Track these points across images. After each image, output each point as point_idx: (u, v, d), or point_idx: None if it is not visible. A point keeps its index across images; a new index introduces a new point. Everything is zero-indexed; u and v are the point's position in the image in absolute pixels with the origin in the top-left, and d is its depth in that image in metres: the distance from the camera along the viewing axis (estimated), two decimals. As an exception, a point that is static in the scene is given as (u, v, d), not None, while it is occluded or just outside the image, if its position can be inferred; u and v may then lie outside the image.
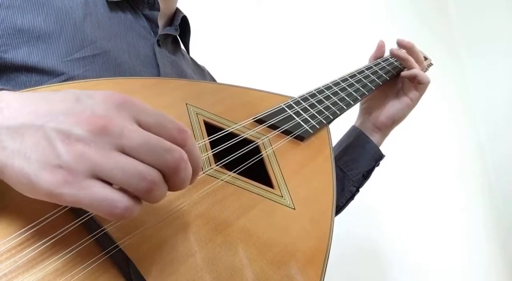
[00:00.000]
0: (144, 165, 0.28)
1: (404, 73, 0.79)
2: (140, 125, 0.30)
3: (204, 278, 0.36)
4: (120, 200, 0.27)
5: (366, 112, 0.83)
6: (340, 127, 0.84)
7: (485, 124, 2.28)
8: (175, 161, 0.29)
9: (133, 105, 0.30)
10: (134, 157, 0.28)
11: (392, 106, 0.80)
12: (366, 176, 0.80)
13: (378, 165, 0.81)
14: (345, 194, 0.78)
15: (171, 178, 0.30)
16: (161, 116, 0.31)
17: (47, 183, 0.27)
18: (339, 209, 0.79)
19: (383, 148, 0.82)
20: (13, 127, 0.28)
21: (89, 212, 0.34)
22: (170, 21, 0.70)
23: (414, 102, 0.80)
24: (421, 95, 0.80)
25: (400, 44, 0.81)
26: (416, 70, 0.78)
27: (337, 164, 0.77)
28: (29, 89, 0.40)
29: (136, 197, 0.29)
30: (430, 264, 1.62)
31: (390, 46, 0.85)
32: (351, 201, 0.80)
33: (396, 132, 0.85)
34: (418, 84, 0.79)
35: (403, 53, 0.80)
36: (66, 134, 0.27)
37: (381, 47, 0.84)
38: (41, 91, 0.32)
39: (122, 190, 0.28)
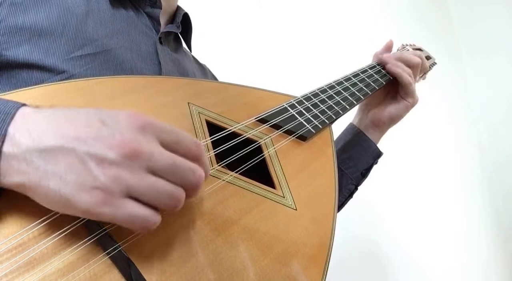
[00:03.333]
0: (172, 184, 0.32)
1: (399, 89, 0.79)
2: (162, 144, 0.33)
3: (205, 278, 0.36)
4: (151, 216, 0.31)
5: (364, 109, 0.83)
6: (342, 127, 0.83)
7: (485, 124, 2.28)
8: (197, 180, 0.33)
9: (154, 126, 0.33)
10: (162, 177, 0.32)
11: (391, 105, 0.80)
12: (364, 174, 0.80)
13: (376, 163, 0.81)
14: (343, 192, 0.78)
15: (190, 193, 0.34)
16: (178, 133, 0.34)
17: (86, 203, 0.29)
18: (338, 207, 0.79)
19: (383, 147, 0.82)
20: (43, 149, 0.30)
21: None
22: (172, 19, 0.70)
23: (413, 104, 0.80)
24: (412, 96, 0.80)
25: (389, 71, 0.80)
26: (398, 71, 0.78)
27: None
28: (35, 86, 0.40)
29: (158, 210, 0.32)
30: (431, 264, 1.62)
31: (395, 46, 0.85)
32: (350, 199, 0.80)
33: (396, 132, 0.85)
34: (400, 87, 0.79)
35: (397, 69, 0.78)
36: (99, 158, 0.30)
37: (389, 47, 0.84)
38: (63, 110, 0.33)
39: (150, 206, 0.31)
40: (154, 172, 0.31)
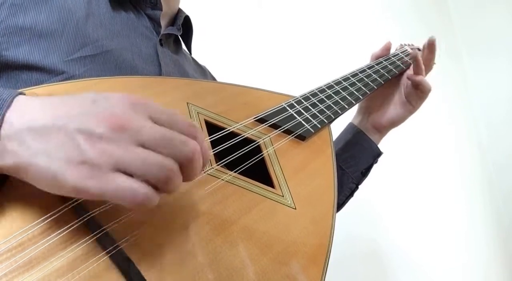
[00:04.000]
0: (162, 156, 0.31)
1: (411, 76, 0.79)
2: (154, 122, 0.32)
3: (205, 278, 0.36)
4: (141, 188, 0.30)
5: (365, 111, 0.83)
6: (342, 126, 0.84)
7: (485, 124, 2.28)
8: (191, 151, 0.32)
9: (146, 105, 0.32)
10: (153, 150, 0.31)
11: (393, 110, 0.80)
12: (364, 173, 0.80)
13: (376, 162, 0.81)
14: (344, 191, 0.78)
15: (186, 168, 0.32)
16: (172, 114, 0.33)
17: (73, 178, 0.29)
18: (338, 206, 0.79)
19: (384, 147, 0.82)
20: (35, 128, 0.30)
21: (89, 212, 0.34)
22: (173, 21, 0.70)
23: (416, 108, 0.80)
24: (422, 102, 0.80)
25: (412, 54, 0.80)
26: (421, 78, 0.78)
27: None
28: (34, 87, 0.40)
29: (155, 187, 0.31)
30: (430, 263, 1.62)
31: (394, 46, 0.85)
32: (350, 198, 0.80)
33: (396, 132, 0.85)
34: (420, 92, 0.79)
35: (419, 58, 0.79)
36: (88, 133, 0.29)
37: (387, 48, 0.84)
38: (58, 96, 0.34)
39: (143, 180, 0.30)
40: (144, 145, 0.31)
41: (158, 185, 0.31)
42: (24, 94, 0.34)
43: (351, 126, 0.83)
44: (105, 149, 0.29)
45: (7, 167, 0.30)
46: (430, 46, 0.81)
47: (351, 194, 0.80)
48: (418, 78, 0.78)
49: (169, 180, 0.31)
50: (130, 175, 0.30)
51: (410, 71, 0.82)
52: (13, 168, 0.30)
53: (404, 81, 0.81)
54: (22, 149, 0.30)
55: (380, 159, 0.82)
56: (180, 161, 0.32)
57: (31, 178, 0.30)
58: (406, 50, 0.86)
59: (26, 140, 0.30)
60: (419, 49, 0.89)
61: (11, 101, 0.31)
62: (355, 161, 0.79)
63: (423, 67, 0.78)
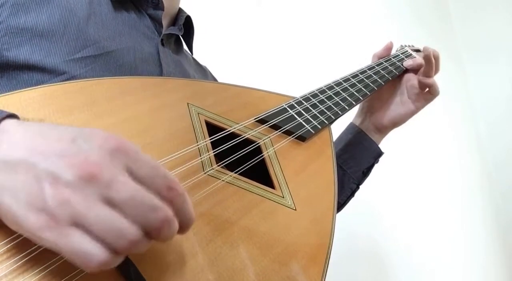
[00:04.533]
0: (126, 221, 0.27)
1: (421, 78, 0.78)
2: (132, 175, 0.29)
3: (205, 278, 0.36)
4: (96, 253, 0.26)
5: (367, 111, 0.83)
6: (342, 127, 0.84)
7: (485, 123, 2.29)
8: (158, 221, 0.28)
9: (127, 153, 0.29)
10: (118, 211, 0.27)
11: (395, 110, 0.80)
12: (365, 173, 0.80)
13: (377, 162, 0.81)
14: (345, 191, 0.78)
15: (153, 236, 0.29)
16: (154, 169, 0.30)
17: (30, 224, 0.27)
18: (339, 206, 0.79)
19: (383, 145, 0.82)
20: (8, 161, 0.28)
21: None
22: (174, 21, 0.70)
23: (418, 110, 0.80)
24: (426, 104, 0.80)
25: (427, 53, 0.77)
26: (433, 81, 0.77)
27: (336, 161, 0.77)
28: (35, 87, 0.40)
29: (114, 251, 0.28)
30: (430, 262, 1.62)
31: (394, 47, 0.85)
32: (351, 198, 0.80)
33: (396, 131, 0.85)
34: (428, 94, 0.78)
35: (432, 59, 0.77)
36: (55, 176, 0.27)
37: (388, 48, 0.83)
38: (43, 124, 0.32)
39: (99, 241, 0.27)
40: (111, 203, 0.27)
41: (117, 251, 0.27)
42: (14, 116, 0.33)
43: (352, 126, 0.83)
44: (67, 200, 0.26)
45: None
46: (427, 59, 0.78)
47: (352, 194, 0.80)
48: (430, 80, 0.77)
49: (128, 249, 0.28)
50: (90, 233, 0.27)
51: (410, 72, 0.81)
52: None
53: (407, 81, 0.81)
54: None
55: (380, 159, 0.82)
56: (146, 229, 0.28)
57: None
58: (407, 51, 0.86)
59: None
60: (419, 50, 0.89)
61: None
62: (356, 161, 0.79)
63: (434, 68, 0.77)
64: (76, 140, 0.29)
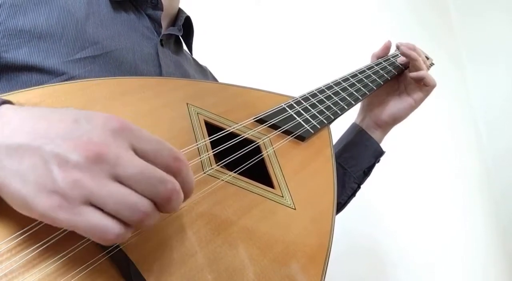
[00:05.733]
0: (137, 195, 0.29)
1: (412, 74, 0.78)
2: (136, 152, 0.30)
3: (204, 278, 0.36)
4: (112, 226, 0.28)
5: (367, 109, 0.83)
6: (341, 127, 0.84)
7: (484, 123, 2.30)
8: (167, 192, 0.30)
9: (130, 132, 0.30)
10: (128, 186, 0.29)
11: (394, 106, 0.80)
12: (367, 172, 0.80)
13: (378, 162, 0.81)
14: (346, 190, 0.78)
15: (162, 207, 0.31)
16: (157, 143, 0.31)
17: (43, 206, 0.27)
18: (341, 206, 0.79)
19: (383, 144, 0.82)
20: (11, 146, 0.29)
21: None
22: (173, 21, 0.70)
23: (417, 104, 0.80)
24: (425, 96, 0.80)
25: (405, 53, 0.78)
26: (425, 72, 0.77)
27: (338, 161, 0.77)
28: (35, 87, 0.40)
29: (127, 223, 0.29)
30: (430, 261, 1.62)
31: (391, 47, 0.85)
32: (353, 197, 0.80)
33: (396, 130, 0.85)
34: (424, 86, 0.78)
35: (413, 53, 0.78)
36: (62, 159, 0.28)
37: (387, 47, 0.83)
38: (41, 107, 0.32)
39: (115, 217, 0.29)
40: (119, 180, 0.29)
41: (130, 224, 0.29)
42: (9, 102, 0.33)
43: (353, 126, 0.84)
44: (78, 180, 0.27)
45: None
46: (405, 55, 0.78)
47: (353, 194, 0.79)
48: (421, 73, 0.77)
49: (141, 221, 0.29)
50: (101, 208, 0.28)
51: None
52: None
53: (404, 77, 0.81)
54: None
55: (381, 159, 0.82)
56: (156, 201, 0.30)
57: (5, 197, 0.29)
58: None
59: (1, 159, 0.29)
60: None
61: None
62: (356, 161, 0.79)
63: (420, 59, 0.77)
64: (78, 121, 0.30)
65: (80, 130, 0.29)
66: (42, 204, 0.27)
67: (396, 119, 0.80)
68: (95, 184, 0.28)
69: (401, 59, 0.82)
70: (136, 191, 0.29)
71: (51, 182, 0.27)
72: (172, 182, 0.30)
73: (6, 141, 0.29)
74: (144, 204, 0.29)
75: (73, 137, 0.29)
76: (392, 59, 0.83)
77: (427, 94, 0.79)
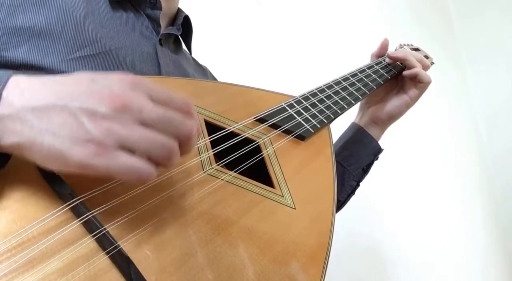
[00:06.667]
0: (163, 135, 0.32)
1: (405, 72, 0.79)
2: (153, 101, 0.33)
3: (204, 278, 0.36)
4: (145, 167, 0.31)
5: (365, 107, 0.84)
6: (341, 126, 0.84)
7: (484, 123, 2.30)
8: (189, 130, 0.34)
9: (144, 84, 0.34)
10: (154, 129, 0.32)
11: (391, 103, 0.81)
12: (365, 170, 0.81)
13: (377, 159, 0.82)
14: (345, 188, 0.78)
15: (184, 144, 0.34)
16: (167, 92, 0.35)
17: (79, 156, 0.30)
18: (340, 204, 0.79)
19: (383, 143, 0.82)
20: (37, 107, 0.30)
21: (89, 212, 0.34)
22: (172, 21, 0.70)
23: (413, 101, 0.80)
24: (421, 94, 0.80)
25: (392, 57, 0.81)
26: (417, 69, 0.78)
27: (337, 159, 0.78)
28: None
29: (155, 163, 0.33)
30: (429, 260, 1.63)
31: (392, 47, 0.85)
32: (352, 195, 0.80)
33: (397, 130, 0.85)
34: (419, 83, 0.79)
35: (401, 53, 0.80)
36: (91, 112, 0.30)
37: (384, 45, 0.84)
38: (53, 75, 0.34)
39: (144, 157, 0.32)
40: (145, 124, 0.32)
41: (159, 162, 0.33)
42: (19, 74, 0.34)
43: (352, 125, 0.84)
44: (110, 128, 0.30)
45: (11, 145, 0.31)
46: (392, 58, 0.82)
47: (352, 192, 0.80)
48: (414, 70, 0.78)
49: (170, 158, 0.33)
50: (132, 152, 0.31)
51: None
52: (16, 147, 0.31)
53: (402, 76, 0.82)
54: (25, 128, 0.30)
55: (379, 156, 0.82)
56: (180, 139, 0.34)
57: (34, 156, 0.31)
58: (404, 49, 0.87)
59: (28, 119, 0.30)
60: (418, 49, 0.89)
61: (7, 81, 0.32)
62: (355, 159, 0.79)
63: (411, 58, 0.79)
64: (95, 80, 0.32)
65: (100, 86, 0.32)
66: (79, 153, 0.30)
67: (392, 117, 0.81)
68: (126, 130, 0.31)
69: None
70: (161, 133, 0.32)
71: (85, 133, 0.30)
72: (190, 123, 0.34)
73: (31, 103, 0.31)
74: (171, 142, 0.33)
75: (95, 92, 0.31)
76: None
77: (422, 91, 0.80)
